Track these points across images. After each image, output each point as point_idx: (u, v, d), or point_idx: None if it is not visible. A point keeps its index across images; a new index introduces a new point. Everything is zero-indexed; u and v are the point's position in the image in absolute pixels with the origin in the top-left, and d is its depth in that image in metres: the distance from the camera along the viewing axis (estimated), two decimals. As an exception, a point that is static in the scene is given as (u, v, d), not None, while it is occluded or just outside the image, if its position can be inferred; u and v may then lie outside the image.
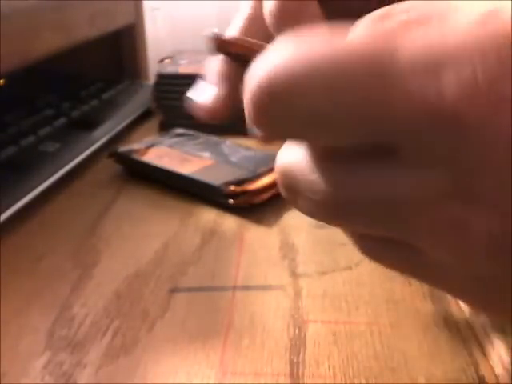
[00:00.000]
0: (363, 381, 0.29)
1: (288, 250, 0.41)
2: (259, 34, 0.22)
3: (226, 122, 0.23)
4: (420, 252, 0.15)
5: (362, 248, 0.17)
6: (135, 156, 0.53)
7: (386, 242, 0.16)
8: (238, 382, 0.29)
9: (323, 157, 0.16)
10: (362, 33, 0.14)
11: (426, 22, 0.13)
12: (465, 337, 0.32)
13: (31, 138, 0.55)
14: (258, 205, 0.47)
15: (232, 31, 0.24)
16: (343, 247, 0.41)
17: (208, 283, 0.37)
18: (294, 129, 0.15)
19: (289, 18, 0.21)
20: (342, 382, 0.29)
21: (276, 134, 0.16)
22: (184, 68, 0.68)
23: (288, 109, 0.14)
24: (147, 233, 0.44)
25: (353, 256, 0.40)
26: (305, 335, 0.32)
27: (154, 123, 0.69)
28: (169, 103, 0.67)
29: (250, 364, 0.30)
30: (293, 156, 0.17)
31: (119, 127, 0.65)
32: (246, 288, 0.37)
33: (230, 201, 0.46)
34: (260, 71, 0.15)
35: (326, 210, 0.16)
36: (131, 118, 0.69)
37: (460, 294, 0.17)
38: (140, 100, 0.72)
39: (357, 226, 0.16)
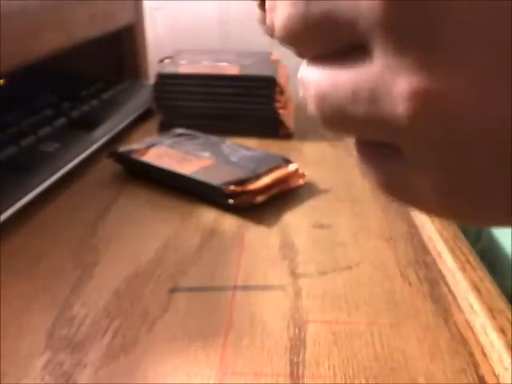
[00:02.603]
0: (363, 381, 0.29)
1: (288, 250, 0.41)
2: None
3: None
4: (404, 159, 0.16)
5: (359, 155, 0.18)
6: (135, 156, 0.53)
7: (378, 147, 0.17)
8: (237, 382, 0.29)
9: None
10: None
11: None
12: (465, 337, 0.32)
13: (31, 138, 0.55)
14: (258, 205, 0.47)
15: None
16: (343, 247, 0.41)
17: (208, 283, 0.37)
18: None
19: None
20: (342, 382, 0.29)
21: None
22: (184, 68, 0.68)
23: None
24: (147, 233, 0.44)
25: (353, 256, 0.40)
26: (305, 335, 0.32)
27: (153, 123, 0.69)
28: (169, 103, 0.67)
29: (250, 364, 0.30)
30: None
31: (119, 127, 0.65)
32: (246, 288, 0.37)
33: (230, 201, 0.46)
34: None
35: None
36: (131, 118, 0.69)
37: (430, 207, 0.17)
38: (140, 100, 0.72)
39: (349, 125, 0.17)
